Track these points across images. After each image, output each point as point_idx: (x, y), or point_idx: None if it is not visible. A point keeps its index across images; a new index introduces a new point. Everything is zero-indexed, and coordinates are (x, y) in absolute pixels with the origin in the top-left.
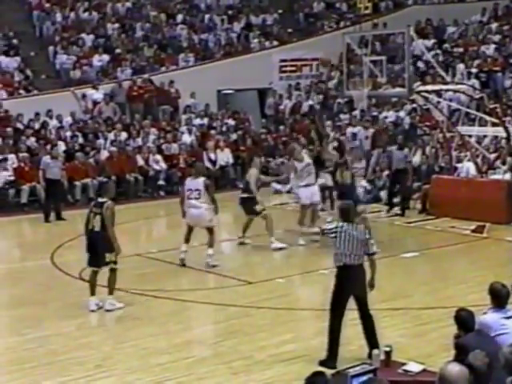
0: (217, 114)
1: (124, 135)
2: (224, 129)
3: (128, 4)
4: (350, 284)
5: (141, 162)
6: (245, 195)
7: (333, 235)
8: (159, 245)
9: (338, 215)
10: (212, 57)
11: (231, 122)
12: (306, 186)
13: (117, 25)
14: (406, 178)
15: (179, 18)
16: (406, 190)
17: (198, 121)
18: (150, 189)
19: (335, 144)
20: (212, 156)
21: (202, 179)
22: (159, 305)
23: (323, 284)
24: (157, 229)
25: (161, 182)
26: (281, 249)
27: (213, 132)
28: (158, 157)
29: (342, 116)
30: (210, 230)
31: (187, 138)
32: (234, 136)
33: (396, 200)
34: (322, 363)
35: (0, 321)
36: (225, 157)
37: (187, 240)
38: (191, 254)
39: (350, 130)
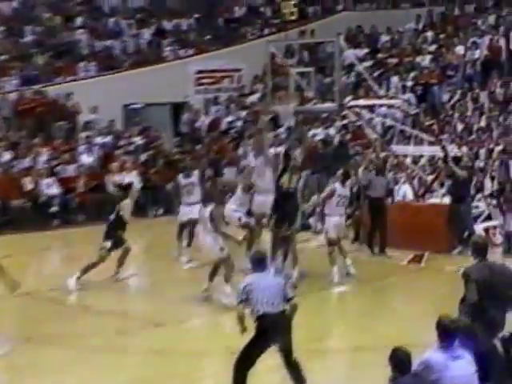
0: (123, 132)
1: (7, 155)
2: (131, 148)
3: (15, 3)
4: (270, 334)
5: (29, 185)
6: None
7: (241, 298)
8: (51, 282)
9: (251, 265)
10: (118, 66)
11: (140, 140)
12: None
13: (1, 27)
14: (384, 210)
15: (79, 21)
16: (384, 224)
17: (100, 139)
18: (40, 217)
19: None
20: (117, 179)
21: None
22: (50, 353)
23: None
24: (48, 264)
25: (54, 209)
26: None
27: (118, 152)
28: (51, 180)
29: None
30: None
31: (87, 159)
32: (143, 156)
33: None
34: None
35: None
36: (132, 180)
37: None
38: (88, 292)
39: (272, 150)
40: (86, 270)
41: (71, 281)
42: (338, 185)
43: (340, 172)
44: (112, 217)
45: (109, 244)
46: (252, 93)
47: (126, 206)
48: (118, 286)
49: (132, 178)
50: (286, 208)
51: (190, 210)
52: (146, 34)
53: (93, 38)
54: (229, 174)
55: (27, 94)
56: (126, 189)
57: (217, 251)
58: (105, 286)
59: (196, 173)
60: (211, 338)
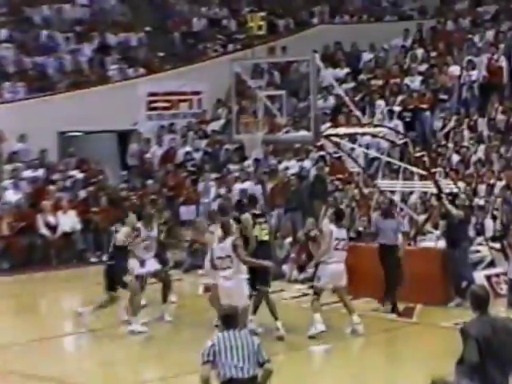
0: (57, 164)
1: None
2: (68, 184)
3: None
4: None
5: None
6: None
7: (207, 358)
8: None
9: (220, 322)
10: (52, 87)
11: (78, 174)
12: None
13: None
14: (397, 259)
15: (3, 33)
16: (398, 275)
17: (29, 172)
18: None
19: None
20: (50, 220)
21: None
22: None
23: None
24: None
25: None
26: (140, 333)
27: (52, 188)
28: None
29: (231, 167)
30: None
31: (13, 196)
32: (82, 193)
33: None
34: None
35: None
36: (69, 221)
37: None
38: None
39: (237, 186)
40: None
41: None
42: (333, 227)
43: (331, 212)
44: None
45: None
46: (214, 119)
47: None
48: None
49: (69, 218)
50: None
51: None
52: (87, 49)
53: (21, 54)
54: (186, 214)
55: None
56: None
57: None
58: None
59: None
60: None
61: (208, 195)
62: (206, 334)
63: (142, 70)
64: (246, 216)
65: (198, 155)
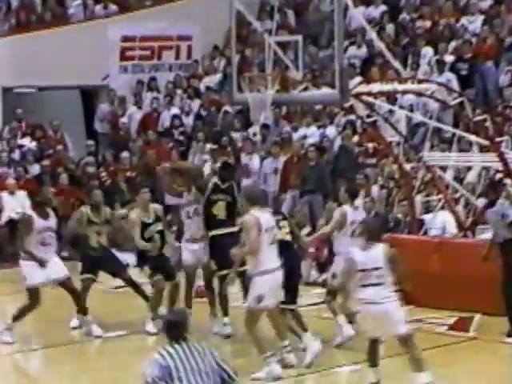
0: (1, 130)
1: None
2: (16, 157)
3: None
4: None
5: None
6: None
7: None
8: None
9: (165, 332)
10: None
11: (30, 143)
12: None
13: None
14: None
15: None
16: None
17: None
18: None
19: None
20: None
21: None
22: None
23: None
24: None
25: None
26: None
27: None
28: None
29: (233, 135)
30: None
31: None
32: (35, 169)
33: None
34: None
35: None
36: (17, 205)
37: None
38: None
39: (245, 158)
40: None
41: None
42: (347, 207)
43: (343, 189)
44: None
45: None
46: (208, 73)
47: None
48: None
49: (17, 201)
50: None
51: None
52: None
53: None
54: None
55: None
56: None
57: None
58: None
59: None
60: None
61: None
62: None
63: (113, 8)
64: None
65: (188, 120)
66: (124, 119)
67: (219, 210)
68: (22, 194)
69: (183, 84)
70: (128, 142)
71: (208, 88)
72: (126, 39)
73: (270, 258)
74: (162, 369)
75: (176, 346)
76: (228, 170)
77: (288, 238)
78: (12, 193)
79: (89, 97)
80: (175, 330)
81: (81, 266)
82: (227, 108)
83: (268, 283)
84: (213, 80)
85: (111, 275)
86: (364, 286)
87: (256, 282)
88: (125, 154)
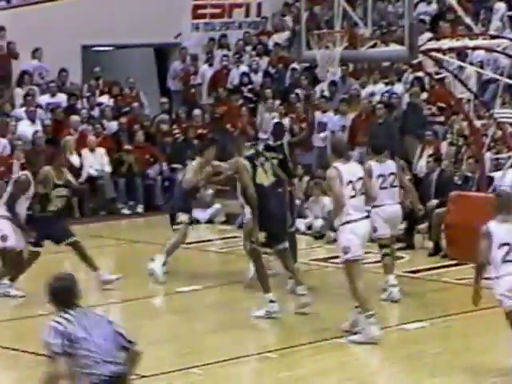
0: (81, 88)
1: None
2: (95, 114)
3: None
4: None
5: None
6: None
7: (59, 349)
8: None
9: (53, 300)
10: None
11: (107, 101)
12: None
13: None
14: None
15: None
16: None
17: (46, 98)
18: None
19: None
20: (74, 160)
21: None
22: None
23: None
24: None
25: None
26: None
27: (75, 119)
28: None
29: (299, 92)
30: None
31: (27, 129)
32: (112, 126)
33: None
34: None
35: None
36: (97, 162)
37: None
38: None
39: (318, 115)
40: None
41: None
42: (372, 162)
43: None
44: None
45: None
46: (277, 30)
47: None
48: None
49: (96, 159)
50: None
51: None
52: None
53: None
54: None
55: None
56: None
57: None
58: None
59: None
60: None
61: (268, 128)
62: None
63: None
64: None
65: (256, 77)
66: (196, 78)
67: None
68: (101, 151)
69: (252, 41)
70: (199, 99)
71: (276, 45)
72: None
73: (354, 210)
74: (61, 335)
75: (70, 311)
76: (279, 129)
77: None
78: (92, 150)
79: (162, 55)
80: (65, 295)
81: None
82: (295, 65)
83: (352, 234)
84: (281, 37)
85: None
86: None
87: (340, 233)
88: (196, 112)
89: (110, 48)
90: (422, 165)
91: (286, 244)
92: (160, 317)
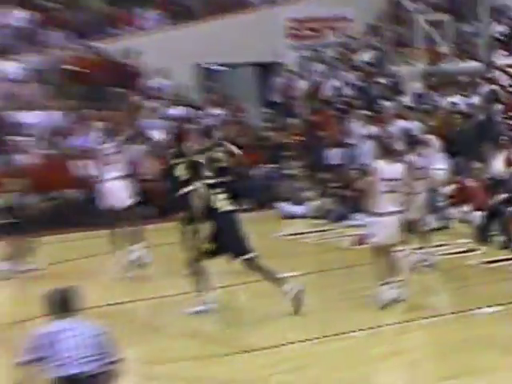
0: (198, 101)
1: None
2: (210, 122)
3: None
4: None
5: (83, 170)
6: None
7: (31, 356)
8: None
9: (51, 308)
10: (190, 16)
11: (219, 111)
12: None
13: None
14: None
15: None
16: None
17: (171, 110)
18: (95, 212)
19: None
20: None
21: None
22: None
23: (358, 352)
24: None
25: None
26: None
27: (193, 127)
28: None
29: (384, 103)
30: None
31: (158, 136)
32: (219, 134)
33: None
34: None
35: None
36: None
37: None
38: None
39: (401, 123)
40: None
41: None
42: (413, 157)
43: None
44: None
45: None
46: (364, 48)
47: None
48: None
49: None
50: None
51: None
52: None
53: None
54: (333, 157)
55: (78, 50)
56: None
57: None
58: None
59: None
60: (316, 367)
61: (358, 136)
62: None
63: None
64: None
65: (347, 90)
66: (294, 90)
67: None
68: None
69: (343, 58)
70: (296, 109)
71: (364, 62)
72: (294, 21)
73: (384, 204)
74: (40, 337)
75: (62, 319)
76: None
77: None
78: None
79: (265, 72)
80: (64, 304)
81: None
82: (381, 79)
83: (378, 224)
84: (368, 55)
85: None
86: None
87: (370, 221)
88: (294, 120)
89: (222, 67)
90: (497, 167)
91: None
92: (257, 300)
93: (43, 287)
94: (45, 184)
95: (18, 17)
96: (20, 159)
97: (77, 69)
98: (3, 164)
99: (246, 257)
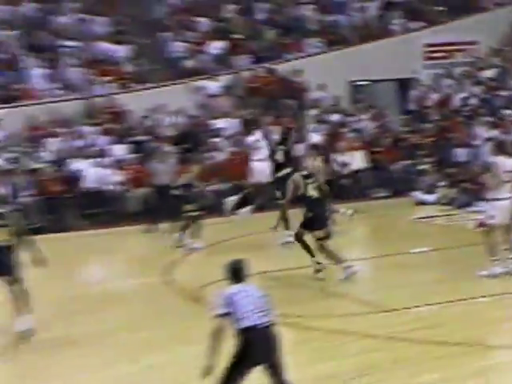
0: (349, 110)
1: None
2: (358, 127)
3: None
4: (258, 350)
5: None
6: None
7: (222, 311)
8: (283, 262)
9: (229, 275)
10: (344, 41)
11: (367, 118)
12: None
13: (234, 6)
14: None
15: None
16: None
17: (327, 117)
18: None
19: None
20: (344, 159)
21: None
22: (282, 333)
23: (482, 315)
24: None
25: None
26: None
27: (345, 131)
28: None
29: (507, 112)
30: None
31: (316, 138)
32: (368, 136)
33: None
34: None
35: (113, 345)
36: (358, 160)
37: None
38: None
39: None
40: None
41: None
42: (499, 159)
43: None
44: None
45: None
46: (488, 67)
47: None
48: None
49: (357, 157)
50: None
51: None
52: (373, 6)
53: (318, 13)
54: (460, 155)
55: (258, 71)
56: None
57: None
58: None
59: None
60: (446, 326)
61: (481, 138)
62: (478, 264)
63: (421, 23)
64: None
65: (473, 101)
66: (427, 101)
67: None
68: (360, 153)
69: (469, 75)
70: (429, 116)
71: (488, 78)
72: (429, 45)
73: (502, 191)
74: (224, 299)
75: (238, 284)
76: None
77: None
78: (355, 152)
79: (403, 86)
80: (238, 274)
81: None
82: (503, 93)
83: (496, 207)
84: (492, 72)
85: None
86: None
87: (489, 205)
88: (427, 125)
89: (368, 82)
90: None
91: None
92: (397, 270)
93: (225, 258)
94: (233, 175)
95: (215, 46)
96: (216, 156)
97: (257, 85)
98: (205, 160)
99: None
